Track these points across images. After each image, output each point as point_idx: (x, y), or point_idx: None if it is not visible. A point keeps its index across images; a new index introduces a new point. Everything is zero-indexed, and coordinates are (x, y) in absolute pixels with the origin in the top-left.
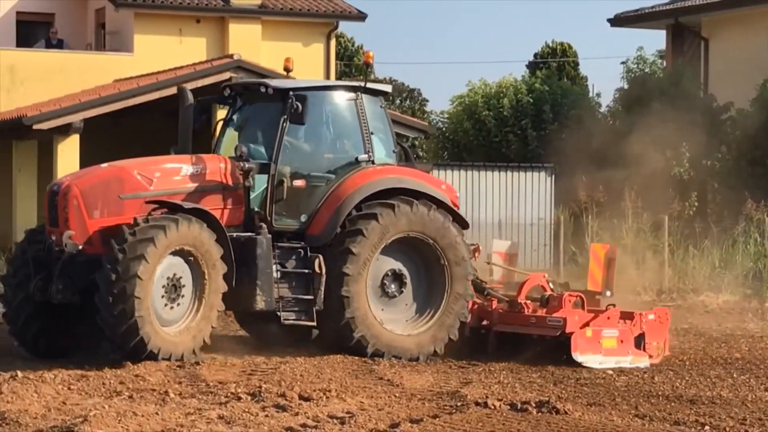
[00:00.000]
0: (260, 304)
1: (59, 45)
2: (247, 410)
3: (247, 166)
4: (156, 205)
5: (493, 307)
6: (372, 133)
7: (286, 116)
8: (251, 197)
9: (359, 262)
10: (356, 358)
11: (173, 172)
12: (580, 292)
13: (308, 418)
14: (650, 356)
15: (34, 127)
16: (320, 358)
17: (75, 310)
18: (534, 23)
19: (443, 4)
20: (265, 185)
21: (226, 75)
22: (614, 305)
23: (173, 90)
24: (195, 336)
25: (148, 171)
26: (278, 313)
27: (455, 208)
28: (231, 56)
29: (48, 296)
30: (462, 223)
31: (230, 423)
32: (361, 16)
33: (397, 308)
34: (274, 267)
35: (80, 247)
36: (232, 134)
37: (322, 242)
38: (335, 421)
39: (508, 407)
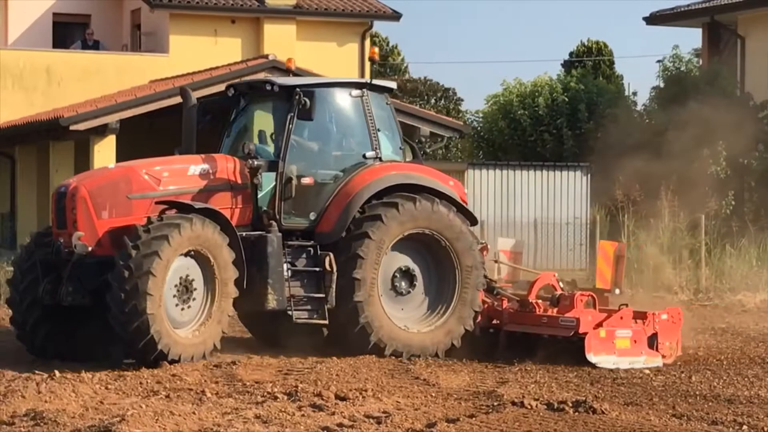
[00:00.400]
0: (272, 303)
1: (95, 46)
2: (283, 410)
3: (255, 163)
4: (166, 206)
5: (504, 306)
6: (379, 130)
7: (292, 113)
8: (259, 196)
9: (369, 266)
10: (392, 357)
11: (181, 172)
12: (590, 291)
13: (345, 417)
14: (663, 356)
15: (71, 127)
16: (356, 358)
17: (83, 314)
18: (569, 22)
19: (478, 3)
20: (273, 183)
21: (261, 75)
22: (627, 305)
23: (209, 90)
24: (205, 340)
25: (156, 171)
26: (289, 312)
27: (464, 204)
28: (266, 56)
29: (58, 299)
30: (470, 219)
31: (267, 422)
32: (395, 16)
33: (410, 305)
34: (284, 265)
35: (90, 248)
36: (236, 134)
37: (332, 240)
38: (372, 420)
39: (545, 407)
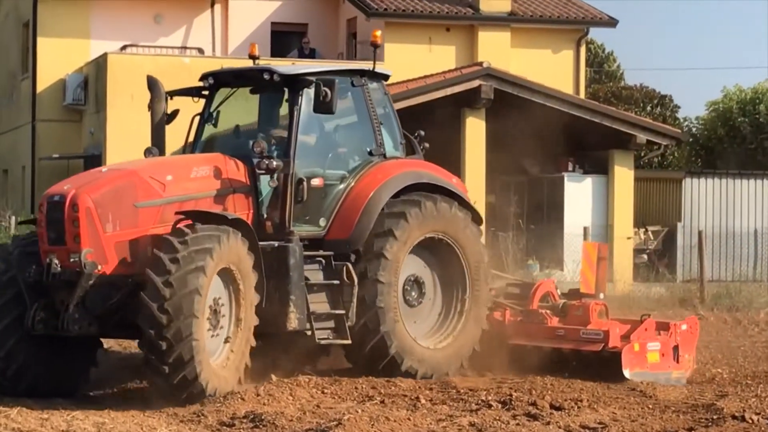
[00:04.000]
0: (293, 323)
1: (312, 54)
2: (497, 418)
3: (274, 164)
4: (183, 216)
5: (507, 318)
6: (381, 123)
7: (297, 106)
8: (259, 200)
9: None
10: (607, 369)
11: (184, 175)
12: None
13: (560, 427)
14: (684, 370)
15: None
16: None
17: (58, 343)
18: None
19: (698, 9)
20: (271, 187)
21: (476, 83)
22: (649, 315)
23: (424, 98)
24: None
25: (159, 174)
26: (308, 332)
27: (472, 204)
28: (480, 64)
29: (60, 328)
30: (478, 219)
31: (481, 430)
32: (611, 22)
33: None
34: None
35: (99, 267)
36: (213, 131)
37: (354, 248)
38: (588, 431)
39: (767, 422)
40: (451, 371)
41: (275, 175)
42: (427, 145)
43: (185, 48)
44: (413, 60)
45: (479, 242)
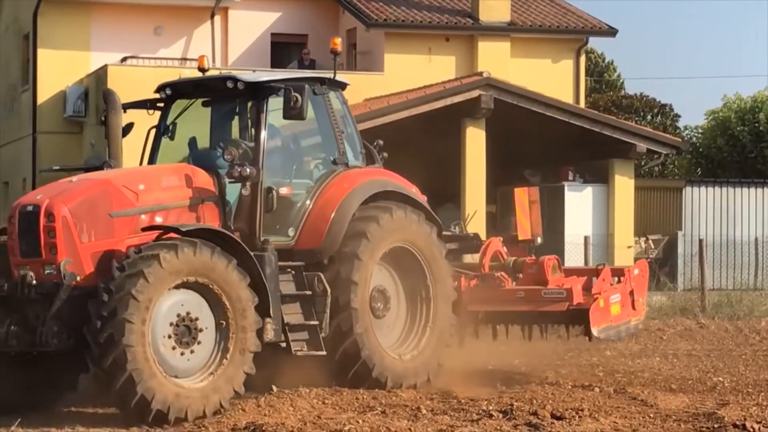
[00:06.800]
0: (269, 333)
1: (311, 65)
2: (498, 428)
3: (248, 171)
4: (153, 230)
5: (462, 284)
6: (342, 132)
7: (263, 113)
8: (226, 210)
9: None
10: (610, 378)
11: (155, 185)
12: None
13: None
14: (639, 315)
15: None
16: (572, 380)
17: (29, 358)
18: None
19: (697, 17)
20: (236, 196)
21: (476, 93)
22: (605, 264)
23: (423, 108)
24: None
25: (131, 184)
26: (282, 345)
27: (433, 213)
28: (480, 74)
29: (37, 343)
30: (440, 228)
31: None
32: (611, 31)
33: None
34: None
35: (78, 278)
36: (171, 143)
37: (326, 256)
38: None
39: None
40: (419, 383)
41: (248, 184)
42: (386, 154)
43: (185, 59)
44: (413, 70)
45: (444, 259)
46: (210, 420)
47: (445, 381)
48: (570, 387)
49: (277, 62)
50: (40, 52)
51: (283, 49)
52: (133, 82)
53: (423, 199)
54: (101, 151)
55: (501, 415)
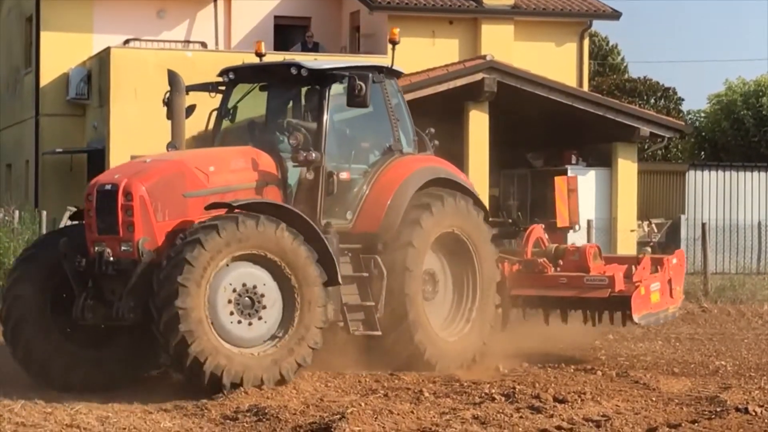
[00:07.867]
0: (330, 314)
1: (315, 48)
2: (501, 411)
3: (313, 155)
4: (221, 206)
5: (505, 269)
6: (397, 120)
7: (325, 100)
8: (288, 192)
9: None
10: (613, 362)
11: (225, 167)
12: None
13: (563, 420)
14: (677, 303)
15: None
16: (576, 364)
17: (103, 334)
18: None
19: (701, 1)
20: (296, 179)
21: (479, 76)
22: (646, 253)
23: (426, 91)
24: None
25: (203, 165)
26: (340, 324)
27: (481, 200)
28: (483, 57)
29: (114, 317)
30: (486, 215)
31: (485, 423)
32: (615, 15)
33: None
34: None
35: (154, 255)
36: (232, 126)
37: (382, 240)
38: (591, 424)
39: None
40: (465, 363)
41: (312, 168)
42: (437, 142)
43: (188, 42)
44: (416, 53)
45: (491, 243)
46: (213, 402)
47: (492, 361)
48: (572, 370)
49: (280, 45)
50: (42, 34)
51: (286, 31)
52: (136, 65)
53: (470, 185)
54: (104, 133)
55: (503, 398)
